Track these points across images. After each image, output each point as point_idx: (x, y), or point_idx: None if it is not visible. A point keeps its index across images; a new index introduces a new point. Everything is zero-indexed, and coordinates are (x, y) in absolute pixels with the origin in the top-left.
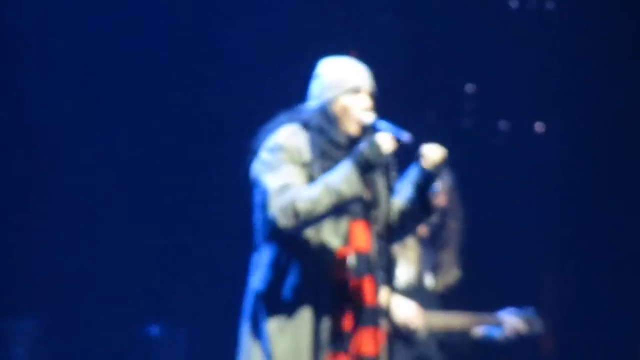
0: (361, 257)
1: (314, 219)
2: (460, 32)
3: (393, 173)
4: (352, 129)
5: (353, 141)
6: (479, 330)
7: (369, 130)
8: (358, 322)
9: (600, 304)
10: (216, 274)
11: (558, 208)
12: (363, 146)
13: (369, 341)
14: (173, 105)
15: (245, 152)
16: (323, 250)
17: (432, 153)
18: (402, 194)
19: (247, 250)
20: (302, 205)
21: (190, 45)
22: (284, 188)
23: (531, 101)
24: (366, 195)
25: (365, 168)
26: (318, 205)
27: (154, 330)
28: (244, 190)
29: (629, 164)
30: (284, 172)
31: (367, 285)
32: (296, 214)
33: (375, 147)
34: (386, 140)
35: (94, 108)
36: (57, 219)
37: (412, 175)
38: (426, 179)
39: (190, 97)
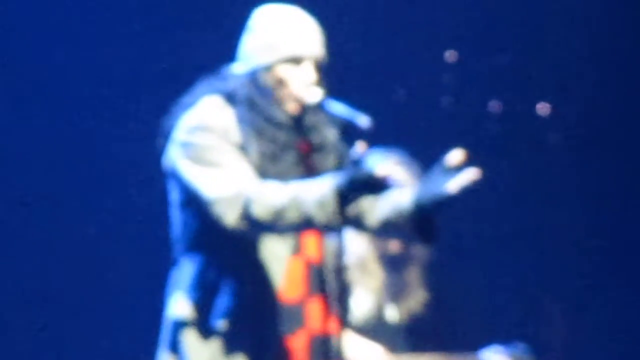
0: (313, 270)
1: (269, 230)
2: None
3: (346, 161)
4: (291, 107)
5: (297, 121)
6: None
7: (314, 111)
8: (307, 355)
9: (607, 336)
10: (128, 293)
11: (560, 215)
12: (351, 170)
13: None
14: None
15: (155, 134)
16: (265, 262)
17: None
18: (394, 199)
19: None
20: (260, 211)
21: None
22: (229, 177)
23: (530, 77)
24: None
25: (348, 195)
26: (279, 218)
27: None
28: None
29: None
30: (220, 156)
31: (318, 307)
32: (248, 216)
33: (365, 174)
34: (381, 169)
35: None
36: None
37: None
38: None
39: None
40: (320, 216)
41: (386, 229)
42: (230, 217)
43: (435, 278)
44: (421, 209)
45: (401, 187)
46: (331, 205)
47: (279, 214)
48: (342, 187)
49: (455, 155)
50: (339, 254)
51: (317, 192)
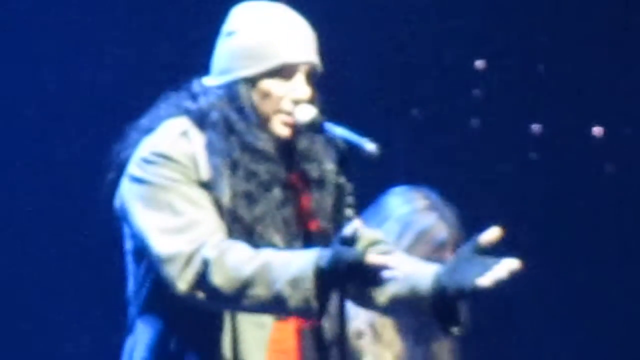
0: (305, 338)
1: (231, 306)
2: None
3: (348, 205)
4: (278, 128)
5: (284, 145)
6: None
7: (308, 135)
8: None
9: None
10: None
11: None
12: (337, 248)
13: None
14: None
15: (105, 165)
16: (243, 330)
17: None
18: (412, 273)
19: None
20: (220, 279)
21: None
22: (186, 228)
23: (578, 93)
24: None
25: (332, 279)
26: (244, 293)
27: None
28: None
29: None
30: (179, 200)
31: None
32: (204, 284)
33: (352, 258)
34: (374, 258)
35: None
36: None
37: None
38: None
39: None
40: (295, 298)
41: (399, 308)
42: (182, 282)
43: (475, 349)
44: (442, 296)
45: (399, 280)
46: (309, 286)
47: (243, 288)
48: (324, 267)
49: (491, 235)
50: (341, 318)
51: (295, 267)
